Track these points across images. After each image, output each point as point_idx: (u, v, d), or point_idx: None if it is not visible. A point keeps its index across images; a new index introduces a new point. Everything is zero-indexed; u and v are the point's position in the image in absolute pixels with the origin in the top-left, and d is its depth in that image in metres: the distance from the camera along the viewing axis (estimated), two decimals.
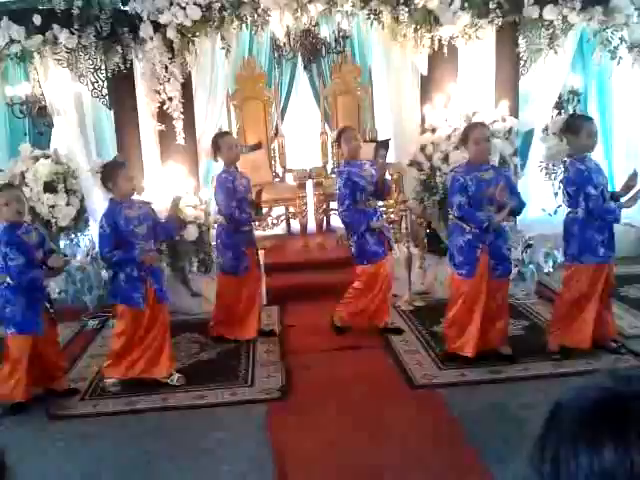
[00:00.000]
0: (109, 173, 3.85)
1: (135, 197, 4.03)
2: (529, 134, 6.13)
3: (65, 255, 4.18)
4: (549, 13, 5.22)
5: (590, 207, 3.76)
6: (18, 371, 3.64)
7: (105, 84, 5.41)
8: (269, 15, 5.21)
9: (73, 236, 5.66)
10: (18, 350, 3.65)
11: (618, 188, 4.05)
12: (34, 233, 3.74)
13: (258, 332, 4.63)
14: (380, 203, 4.82)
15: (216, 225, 4.79)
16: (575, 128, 3.87)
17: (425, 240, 5.49)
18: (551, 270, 5.37)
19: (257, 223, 5.19)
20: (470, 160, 3.95)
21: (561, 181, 4.00)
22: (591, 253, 3.84)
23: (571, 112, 5.96)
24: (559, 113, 5.94)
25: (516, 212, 4.01)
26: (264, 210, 5.20)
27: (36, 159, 5.52)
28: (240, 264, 4.50)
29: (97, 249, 5.09)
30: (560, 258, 5.20)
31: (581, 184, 3.77)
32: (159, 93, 5.31)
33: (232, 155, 4.44)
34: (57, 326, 3.94)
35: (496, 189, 3.71)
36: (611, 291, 4.10)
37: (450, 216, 4.22)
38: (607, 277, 3.94)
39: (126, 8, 5.17)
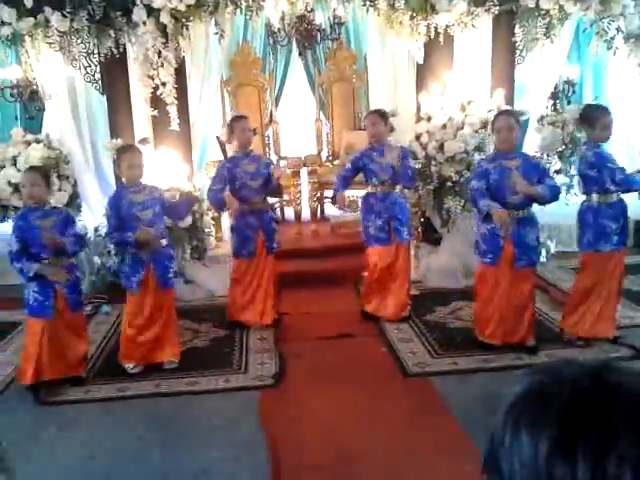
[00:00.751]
0: (118, 157, 3.89)
1: (147, 182, 4.02)
2: (524, 124, 6.13)
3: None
4: (546, 2, 5.20)
5: (617, 180, 3.78)
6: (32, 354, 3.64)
7: (98, 68, 5.36)
8: (264, 0, 5.16)
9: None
10: (30, 333, 3.67)
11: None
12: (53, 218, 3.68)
13: (273, 320, 4.59)
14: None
15: None
16: (591, 119, 3.88)
17: (419, 229, 5.48)
18: (544, 260, 5.38)
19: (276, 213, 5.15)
20: (496, 149, 3.99)
21: (578, 169, 3.98)
22: (605, 241, 3.87)
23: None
24: (554, 103, 5.94)
25: (544, 201, 3.84)
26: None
27: (28, 144, 5.47)
28: (243, 248, 4.49)
29: (89, 234, 5.08)
30: (553, 248, 5.22)
31: (603, 164, 3.80)
32: (152, 78, 5.26)
33: (243, 138, 4.42)
34: (77, 311, 3.84)
35: (513, 178, 3.71)
36: (621, 287, 4.10)
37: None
38: (619, 268, 3.98)
39: None
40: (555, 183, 3.93)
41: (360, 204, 4.68)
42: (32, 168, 3.93)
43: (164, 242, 3.95)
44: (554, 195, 3.80)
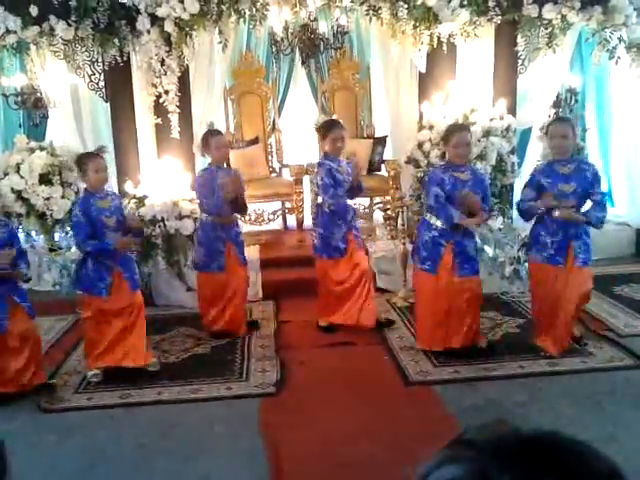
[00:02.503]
0: (80, 163, 3.90)
1: (108, 188, 4.09)
2: (527, 133, 6.15)
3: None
4: (548, 12, 5.23)
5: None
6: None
7: (102, 76, 5.39)
8: (267, 10, 5.19)
9: (68, 229, 5.63)
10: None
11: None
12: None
13: (246, 326, 4.66)
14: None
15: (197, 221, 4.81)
16: (547, 132, 4.03)
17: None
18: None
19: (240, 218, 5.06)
20: (449, 160, 4.03)
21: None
22: None
23: (568, 112, 5.98)
24: (556, 112, 5.95)
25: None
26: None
27: (31, 151, 5.50)
28: (212, 262, 4.50)
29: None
30: None
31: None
32: (156, 86, 5.29)
33: (219, 155, 4.39)
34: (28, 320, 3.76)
35: (462, 193, 3.83)
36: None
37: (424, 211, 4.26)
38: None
39: (124, 0, 5.14)
40: (489, 205, 4.10)
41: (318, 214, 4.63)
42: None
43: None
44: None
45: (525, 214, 4.03)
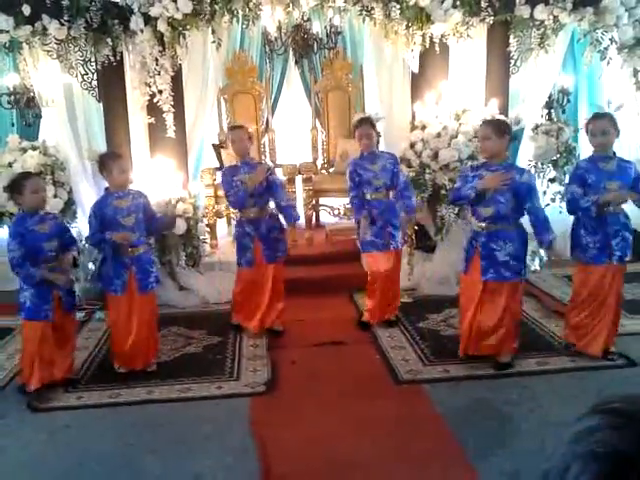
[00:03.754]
0: (104, 163, 3.90)
1: (132, 188, 4.05)
2: (519, 133, 6.16)
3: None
4: (540, 13, 5.24)
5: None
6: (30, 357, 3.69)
7: (95, 76, 5.38)
8: (260, 10, 5.19)
9: None
10: (30, 337, 3.70)
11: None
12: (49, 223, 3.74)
13: (264, 329, 4.59)
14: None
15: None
16: (587, 130, 3.94)
17: (413, 237, 5.50)
18: (538, 269, 5.40)
19: None
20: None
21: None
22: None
23: (561, 112, 6.01)
24: (549, 112, 5.98)
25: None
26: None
27: (24, 150, 5.49)
28: (241, 257, 4.52)
29: (84, 241, 5.09)
30: (546, 257, 5.22)
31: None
32: (149, 86, 5.29)
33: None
34: (70, 312, 3.89)
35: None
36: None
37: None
38: None
39: (116, 0, 5.14)
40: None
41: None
42: (33, 174, 3.95)
43: (142, 249, 3.96)
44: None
45: (580, 210, 3.88)
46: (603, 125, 3.79)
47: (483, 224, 3.78)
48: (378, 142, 4.62)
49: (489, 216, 3.75)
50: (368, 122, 4.48)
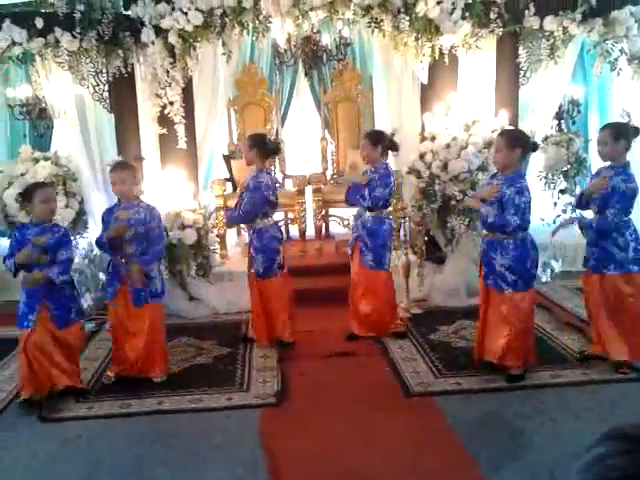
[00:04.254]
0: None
1: (143, 201, 3.99)
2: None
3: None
4: (550, 24, 5.26)
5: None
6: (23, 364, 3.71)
7: (106, 87, 5.43)
8: (270, 22, 5.23)
9: (72, 238, 5.66)
10: (21, 345, 3.71)
11: None
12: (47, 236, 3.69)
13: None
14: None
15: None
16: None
17: (423, 248, 5.49)
18: (549, 280, 5.37)
19: None
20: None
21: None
22: None
23: (571, 123, 5.99)
24: (559, 123, 5.97)
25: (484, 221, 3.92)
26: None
27: (36, 161, 5.54)
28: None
29: (95, 251, 5.11)
30: (558, 268, 5.21)
31: None
32: (160, 97, 5.33)
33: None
34: (63, 329, 3.76)
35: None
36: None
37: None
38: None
39: (128, 12, 5.20)
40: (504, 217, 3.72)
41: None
42: (47, 184, 3.96)
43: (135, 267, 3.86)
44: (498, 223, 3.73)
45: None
46: (601, 136, 3.85)
47: (484, 231, 3.96)
48: (384, 155, 4.54)
49: (485, 223, 3.86)
50: (366, 136, 4.55)
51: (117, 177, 3.87)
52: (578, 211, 4.30)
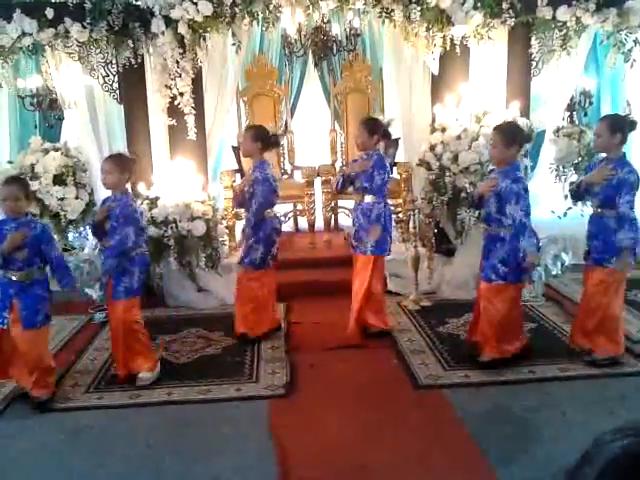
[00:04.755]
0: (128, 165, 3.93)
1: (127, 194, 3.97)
2: (540, 135, 6.10)
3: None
4: (562, 14, 5.19)
5: None
6: None
7: (116, 78, 5.42)
8: (280, 12, 5.20)
9: (82, 229, 5.69)
10: None
11: None
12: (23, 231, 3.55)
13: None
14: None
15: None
16: None
17: (433, 240, 5.47)
18: (560, 273, 5.33)
19: None
20: None
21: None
22: None
23: (582, 115, 5.94)
24: (570, 115, 5.92)
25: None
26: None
27: (46, 152, 5.55)
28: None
29: None
30: (568, 260, 5.18)
31: None
32: (170, 88, 5.32)
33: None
34: (27, 329, 3.62)
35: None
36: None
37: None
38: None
39: (138, 3, 5.17)
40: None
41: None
42: (12, 181, 3.70)
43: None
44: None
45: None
46: (598, 128, 3.86)
47: (483, 224, 4.06)
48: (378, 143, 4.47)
49: (484, 217, 3.99)
50: (361, 123, 4.50)
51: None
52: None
